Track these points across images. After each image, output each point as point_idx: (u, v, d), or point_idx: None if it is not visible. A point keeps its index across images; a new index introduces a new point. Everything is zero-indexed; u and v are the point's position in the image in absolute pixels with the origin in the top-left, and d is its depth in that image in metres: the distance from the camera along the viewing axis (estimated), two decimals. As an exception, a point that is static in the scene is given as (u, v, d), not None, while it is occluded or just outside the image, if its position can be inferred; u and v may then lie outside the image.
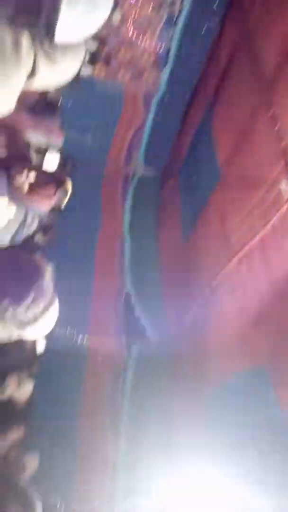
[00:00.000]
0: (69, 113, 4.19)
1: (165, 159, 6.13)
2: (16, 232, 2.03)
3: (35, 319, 0.96)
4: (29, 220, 2.07)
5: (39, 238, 3.52)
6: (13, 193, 1.77)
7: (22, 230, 2.04)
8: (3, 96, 0.97)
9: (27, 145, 2.43)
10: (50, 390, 4.06)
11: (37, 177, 1.77)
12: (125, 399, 4.89)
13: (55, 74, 1.03)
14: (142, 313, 5.70)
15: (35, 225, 2.16)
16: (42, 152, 2.67)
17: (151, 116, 5.51)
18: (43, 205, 1.94)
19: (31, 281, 0.88)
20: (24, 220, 2.05)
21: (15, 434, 3.51)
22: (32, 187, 1.82)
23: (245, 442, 3.06)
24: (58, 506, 3.26)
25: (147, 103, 5.39)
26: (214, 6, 4.54)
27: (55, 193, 1.97)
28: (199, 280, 4.64)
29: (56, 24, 0.77)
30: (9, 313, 0.86)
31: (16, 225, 2.01)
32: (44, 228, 3.03)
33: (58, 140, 2.86)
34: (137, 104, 5.44)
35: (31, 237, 2.44)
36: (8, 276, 0.86)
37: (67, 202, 4.01)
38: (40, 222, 2.26)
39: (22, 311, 0.88)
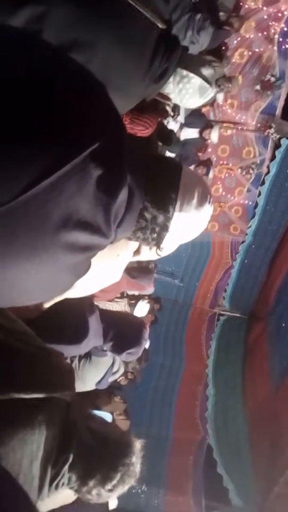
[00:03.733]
0: (160, 261, 4.51)
1: (252, 302, 6.09)
2: (103, 377, 2.05)
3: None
4: (116, 366, 2.10)
5: (121, 379, 3.50)
6: None
7: (108, 375, 2.06)
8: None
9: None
10: None
11: None
12: None
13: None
14: (224, 471, 5.06)
15: (121, 372, 2.18)
16: (135, 299, 2.86)
17: (239, 260, 5.69)
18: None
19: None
20: (112, 365, 2.08)
21: None
22: None
23: None
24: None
25: (234, 248, 5.64)
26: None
27: None
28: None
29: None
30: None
31: (106, 369, 2.03)
32: (127, 372, 3.04)
33: (149, 291, 3.06)
34: (225, 249, 5.70)
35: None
36: None
37: (151, 343, 4.04)
38: (125, 367, 2.27)
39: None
